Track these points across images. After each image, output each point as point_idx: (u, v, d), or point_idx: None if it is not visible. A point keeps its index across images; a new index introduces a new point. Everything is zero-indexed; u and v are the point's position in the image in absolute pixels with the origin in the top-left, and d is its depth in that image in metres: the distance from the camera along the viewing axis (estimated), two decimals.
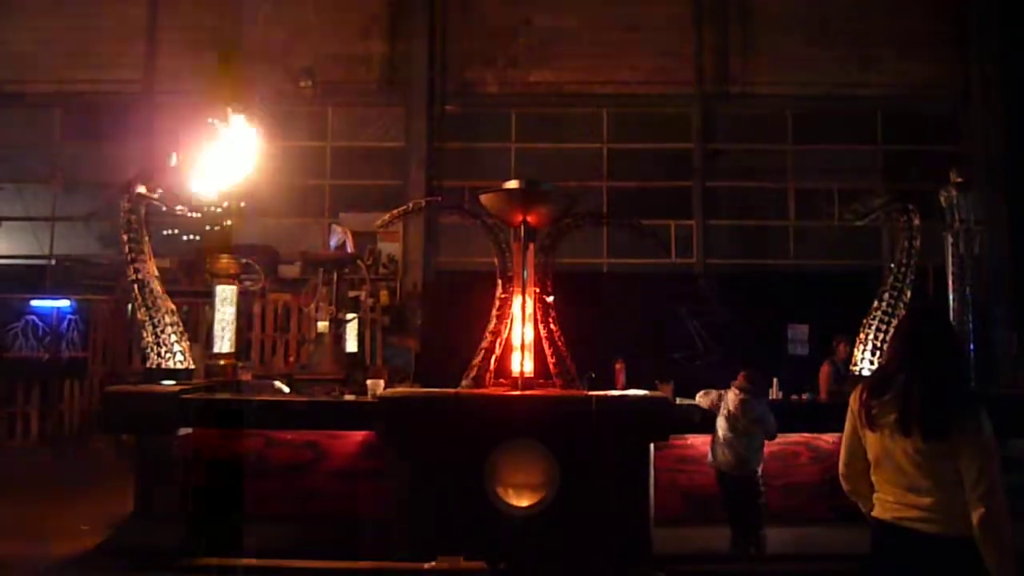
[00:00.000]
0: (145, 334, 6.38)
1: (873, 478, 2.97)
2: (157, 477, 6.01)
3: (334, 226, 11.50)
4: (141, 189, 6.49)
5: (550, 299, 6.23)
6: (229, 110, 6.82)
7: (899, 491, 2.85)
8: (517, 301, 6.19)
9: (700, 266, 12.31)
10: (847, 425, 3.06)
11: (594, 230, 11.94)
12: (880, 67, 12.24)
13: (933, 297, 6.95)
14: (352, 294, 8.53)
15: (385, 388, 6.26)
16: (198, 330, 9.67)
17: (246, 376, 6.91)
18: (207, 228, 11.00)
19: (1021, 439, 5.69)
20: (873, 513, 2.97)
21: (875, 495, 2.96)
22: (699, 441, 5.94)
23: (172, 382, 6.26)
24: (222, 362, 6.79)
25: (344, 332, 7.47)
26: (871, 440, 2.93)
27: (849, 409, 3.05)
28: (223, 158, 6.77)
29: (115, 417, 6.20)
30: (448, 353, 7.18)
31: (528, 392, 5.91)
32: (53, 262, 12.42)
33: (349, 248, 11.03)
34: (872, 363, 6.25)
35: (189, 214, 6.88)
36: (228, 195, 6.95)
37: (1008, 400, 6.28)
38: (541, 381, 6.16)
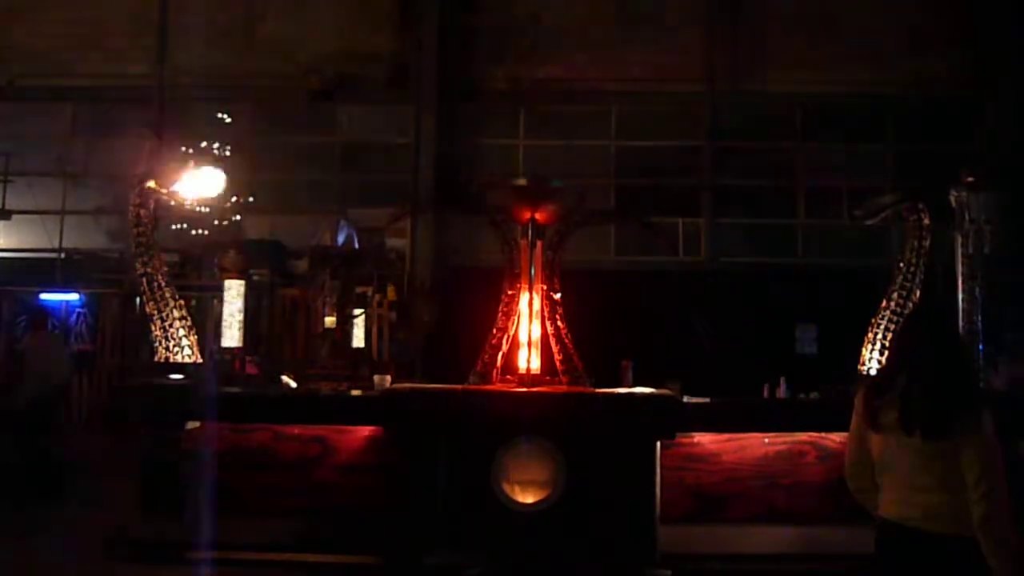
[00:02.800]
0: (153, 328, 6.40)
1: (878, 478, 2.98)
2: (164, 470, 6.02)
3: (342, 222, 11.52)
4: (150, 183, 6.50)
5: (557, 296, 6.23)
6: None
7: (903, 490, 2.86)
8: (524, 298, 6.19)
9: (708, 264, 12.29)
10: (852, 425, 3.08)
11: (602, 227, 11.93)
12: (892, 65, 12.18)
13: (943, 297, 6.91)
14: (359, 289, 8.54)
15: (392, 383, 6.27)
16: (206, 324, 9.70)
17: (254, 370, 6.93)
18: (215, 223, 11.06)
19: None
20: (878, 512, 2.97)
21: (880, 495, 2.96)
22: (706, 440, 5.93)
23: (180, 376, 6.28)
24: (230, 356, 6.80)
25: (351, 327, 7.48)
26: (875, 440, 2.95)
27: (854, 409, 3.06)
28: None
29: (123, 410, 6.23)
30: (455, 349, 7.18)
31: (534, 389, 5.91)
32: (62, 255, 12.45)
33: (357, 244, 11.04)
34: (880, 363, 6.23)
35: (198, 208, 6.89)
36: (237, 190, 6.96)
37: (1017, 400, 6.24)
38: (548, 378, 6.16)
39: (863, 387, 3.09)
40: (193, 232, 12.10)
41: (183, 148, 8.47)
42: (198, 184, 6.80)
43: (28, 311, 10.29)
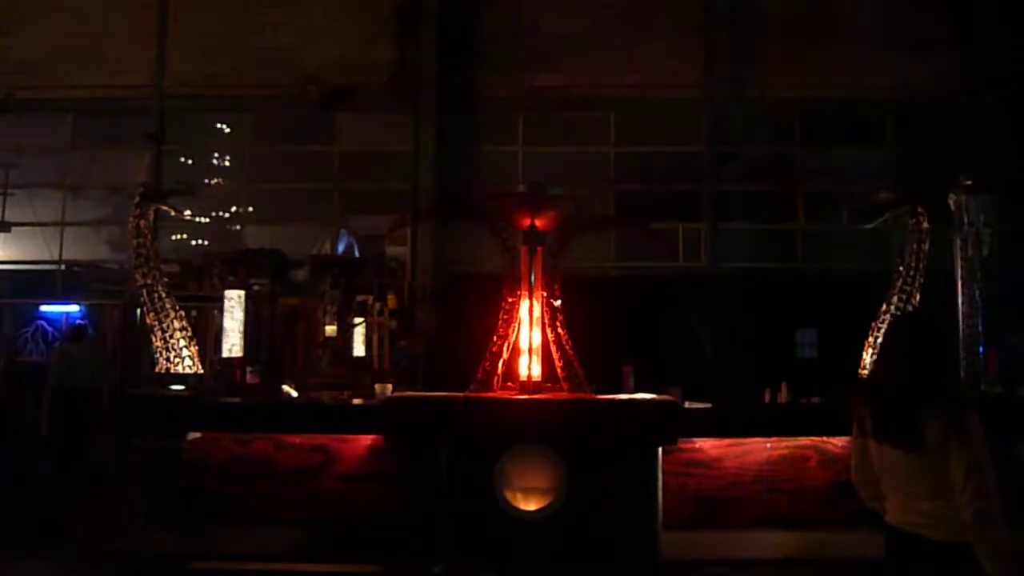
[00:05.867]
0: (154, 339, 6.40)
1: (881, 483, 2.96)
2: (166, 480, 6.02)
3: (342, 230, 11.54)
4: (150, 194, 6.52)
5: (558, 303, 6.23)
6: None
7: (902, 497, 2.85)
8: (525, 305, 6.19)
9: (708, 269, 12.29)
10: (853, 432, 3.06)
11: (602, 234, 11.93)
12: (891, 68, 12.19)
13: (942, 300, 6.92)
14: (360, 298, 8.54)
15: (393, 392, 6.26)
16: (207, 335, 9.70)
17: (254, 380, 6.92)
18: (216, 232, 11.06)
19: None
20: (885, 518, 2.96)
21: (886, 501, 2.95)
22: (708, 445, 5.92)
23: (181, 386, 6.28)
24: (230, 366, 6.80)
25: (352, 336, 7.48)
26: (871, 447, 2.93)
27: (852, 415, 3.04)
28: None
29: (125, 421, 6.22)
30: (456, 357, 7.18)
31: (536, 396, 5.91)
32: (63, 267, 12.47)
33: (357, 252, 11.06)
34: None
35: (197, 219, 6.91)
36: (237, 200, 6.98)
37: (1016, 403, 6.23)
38: (549, 385, 6.15)
39: (854, 393, 3.07)
40: (193, 243, 12.16)
41: (183, 159, 8.50)
42: None
43: (69, 323, 10.71)
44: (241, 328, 6.76)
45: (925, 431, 2.71)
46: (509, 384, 6.16)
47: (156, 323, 6.36)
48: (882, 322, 6.36)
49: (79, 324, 10.42)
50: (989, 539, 2.60)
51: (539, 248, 6.20)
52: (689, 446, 5.89)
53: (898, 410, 2.77)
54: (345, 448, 6.01)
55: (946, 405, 2.75)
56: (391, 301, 11.06)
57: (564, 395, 5.96)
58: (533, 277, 6.16)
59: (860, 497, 3.12)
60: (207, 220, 12.12)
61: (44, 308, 11.70)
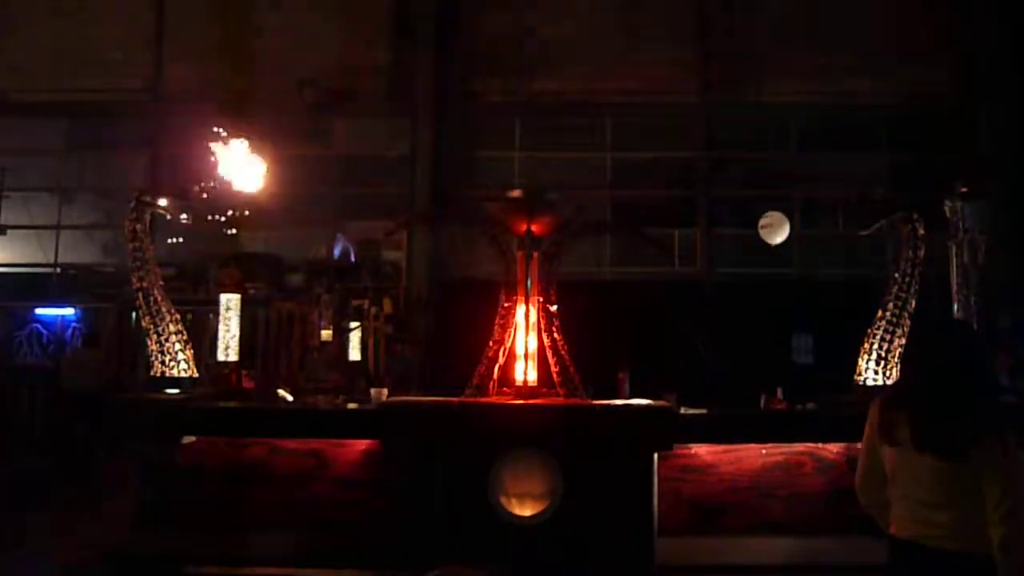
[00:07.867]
0: (149, 342, 6.39)
1: (889, 493, 2.89)
2: (160, 485, 6.00)
3: (338, 234, 11.53)
4: (146, 197, 6.51)
5: (554, 308, 6.23)
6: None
7: (917, 508, 2.78)
8: (521, 310, 6.19)
9: (704, 275, 12.30)
10: (865, 438, 2.99)
11: (598, 239, 11.94)
12: (885, 75, 12.24)
13: (937, 307, 6.93)
14: (355, 302, 8.53)
15: (388, 397, 6.26)
16: (202, 339, 9.67)
17: (249, 384, 6.90)
18: (212, 236, 11.02)
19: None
20: (890, 531, 2.90)
21: (892, 512, 2.89)
22: (703, 451, 5.92)
23: (176, 390, 6.27)
24: (226, 370, 6.78)
25: (347, 340, 7.47)
26: (888, 455, 2.86)
27: (867, 422, 2.98)
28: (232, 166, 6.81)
29: (119, 425, 6.21)
30: (451, 362, 7.17)
31: (531, 401, 5.90)
32: (58, 270, 12.45)
33: (353, 256, 11.05)
34: (876, 373, 6.24)
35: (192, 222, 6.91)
36: (233, 204, 6.97)
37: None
38: (544, 390, 6.15)
39: (878, 400, 2.97)
40: (189, 246, 12.13)
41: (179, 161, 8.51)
42: (240, 174, 6.87)
43: (64, 327, 10.92)
44: (236, 332, 6.73)
45: (973, 441, 2.65)
46: (505, 389, 6.16)
47: (151, 326, 6.34)
48: (878, 328, 6.36)
49: (92, 331, 10.62)
50: (1018, 557, 2.57)
51: (535, 253, 6.20)
52: (684, 452, 5.88)
53: (949, 417, 2.71)
54: (340, 453, 5.99)
55: (996, 417, 2.71)
56: (387, 305, 11.05)
57: (559, 400, 5.95)
58: (529, 282, 6.17)
59: (859, 504, 3.07)
60: (203, 223, 12.10)
61: (39, 311, 11.67)
